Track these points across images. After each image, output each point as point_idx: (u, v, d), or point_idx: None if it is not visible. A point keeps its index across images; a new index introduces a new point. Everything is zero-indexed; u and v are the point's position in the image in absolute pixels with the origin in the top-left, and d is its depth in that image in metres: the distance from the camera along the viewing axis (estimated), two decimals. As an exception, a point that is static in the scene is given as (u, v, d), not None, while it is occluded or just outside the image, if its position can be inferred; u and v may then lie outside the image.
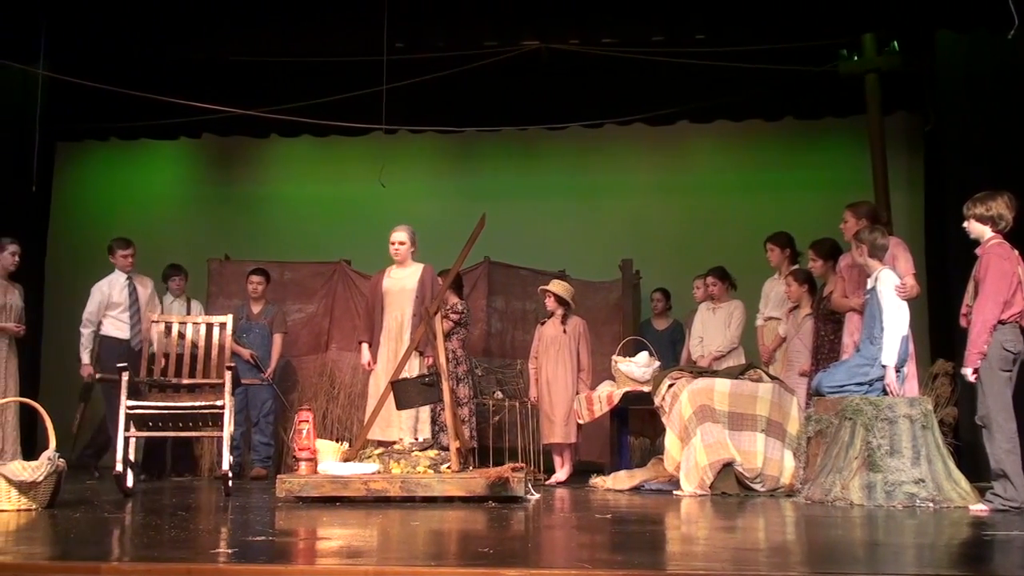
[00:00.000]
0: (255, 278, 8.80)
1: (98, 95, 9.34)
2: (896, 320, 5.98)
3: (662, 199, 10.91)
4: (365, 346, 7.45)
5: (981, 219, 5.50)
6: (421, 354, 7.18)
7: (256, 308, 8.80)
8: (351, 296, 9.24)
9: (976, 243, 5.59)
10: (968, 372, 5.38)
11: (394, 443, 6.59)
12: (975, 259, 5.58)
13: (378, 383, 7.20)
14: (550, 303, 7.92)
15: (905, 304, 6.07)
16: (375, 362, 7.39)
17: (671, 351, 8.88)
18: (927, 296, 8.90)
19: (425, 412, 7.19)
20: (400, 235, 7.47)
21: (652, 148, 10.96)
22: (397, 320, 7.34)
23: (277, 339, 8.74)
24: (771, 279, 8.05)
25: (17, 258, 7.72)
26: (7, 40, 9.01)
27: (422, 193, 10.96)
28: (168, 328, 7.07)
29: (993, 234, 5.47)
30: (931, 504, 5.45)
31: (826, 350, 7.01)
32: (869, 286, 6.19)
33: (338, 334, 9.23)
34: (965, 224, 5.60)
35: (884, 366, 5.96)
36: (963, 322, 5.56)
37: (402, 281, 7.38)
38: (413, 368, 6.99)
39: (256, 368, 8.52)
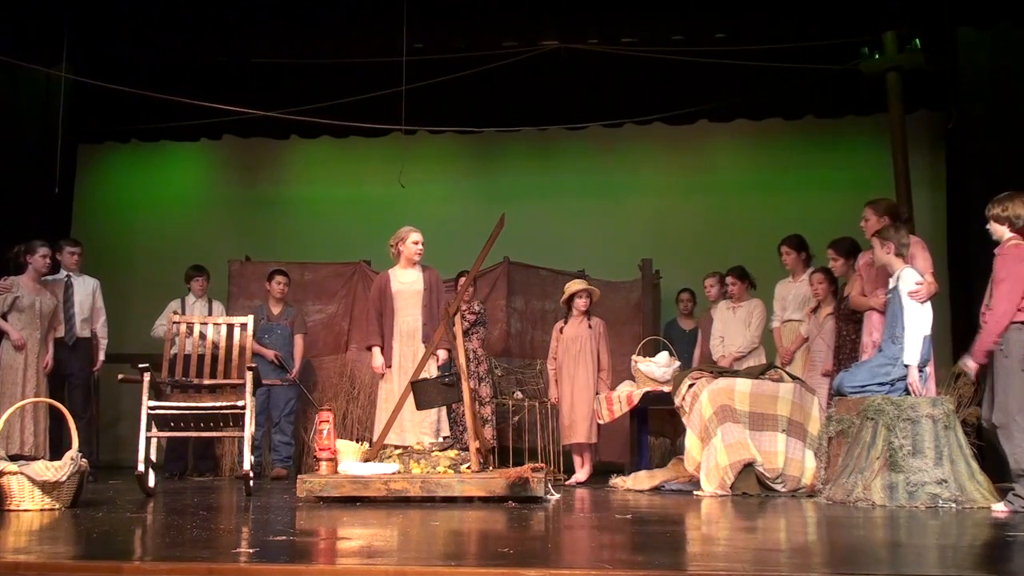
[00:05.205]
0: (282, 279, 8.85)
1: (119, 98, 9.43)
2: (919, 319, 5.94)
3: (682, 198, 10.89)
4: (377, 350, 7.31)
5: (998, 219, 5.50)
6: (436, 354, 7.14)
7: (276, 309, 8.85)
8: (371, 297, 9.27)
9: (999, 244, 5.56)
10: (970, 364, 5.45)
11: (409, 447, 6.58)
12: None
13: (392, 387, 7.14)
14: (583, 303, 7.88)
15: (928, 303, 6.04)
16: (389, 365, 7.28)
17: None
18: (949, 296, 8.85)
19: (443, 411, 7.15)
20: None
21: (672, 147, 10.93)
22: (409, 324, 7.30)
23: (299, 340, 8.82)
24: (783, 281, 8.03)
25: (48, 260, 7.82)
26: (30, 43, 9.09)
27: (441, 193, 10.99)
28: (189, 328, 7.12)
29: (1012, 235, 5.44)
30: (954, 505, 5.41)
31: (847, 350, 6.97)
32: (891, 285, 6.15)
33: (358, 334, 9.24)
34: (988, 226, 5.58)
35: (907, 366, 5.93)
36: (983, 320, 5.53)
37: (411, 284, 7.34)
38: (431, 369, 6.97)
39: (281, 368, 8.58)
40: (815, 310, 7.61)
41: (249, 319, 6.81)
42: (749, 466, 6.45)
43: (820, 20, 9.03)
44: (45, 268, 7.83)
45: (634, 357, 7.55)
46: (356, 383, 9.11)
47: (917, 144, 9.52)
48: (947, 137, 9.59)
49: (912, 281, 6.01)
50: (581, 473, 7.84)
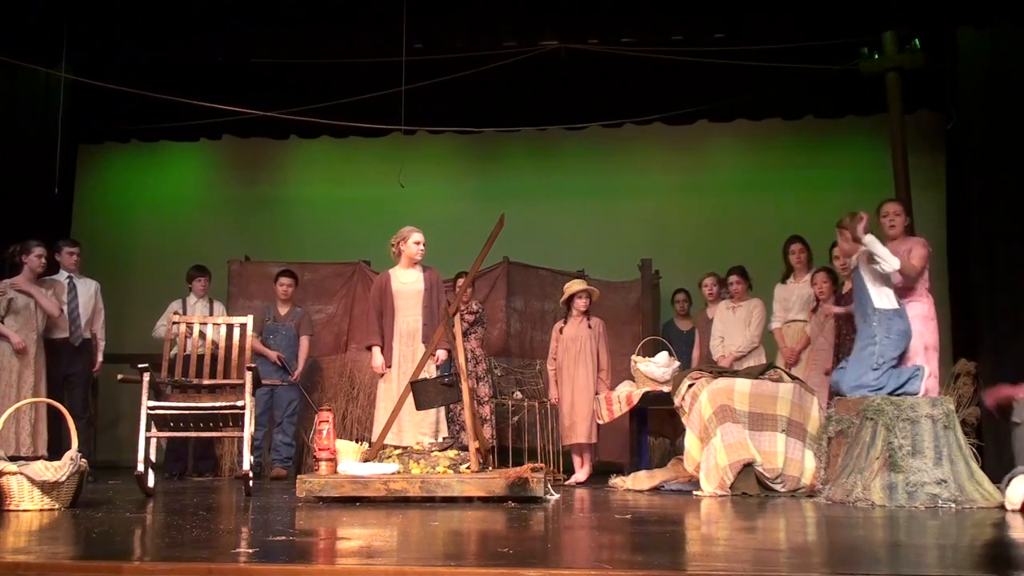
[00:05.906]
0: (285, 280, 8.85)
1: (119, 98, 9.42)
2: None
3: (681, 199, 10.89)
4: (376, 350, 7.30)
5: None
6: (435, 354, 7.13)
7: (283, 310, 8.85)
8: (371, 297, 9.27)
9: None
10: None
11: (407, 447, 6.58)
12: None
13: (391, 387, 7.14)
14: (583, 304, 7.89)
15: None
16: (388, 365, 7.27)
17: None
18: (949, 295, 8.84)
19: (442, 411, 7.15)
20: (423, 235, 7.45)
21: (671, 148, 10.93)
22: (409, 324, 7.29)
23: (304, 341, 8.82)
24: (782, 283, 8.03)
25: (44, 260, 7.82)
26: (30, 43, 9.09)
27: (441, 193, 10.99)
28: (189, 328, 7.11)
29: None
30: (953, 505, 5.41)
31: (848, 348, 6.98)
32: (852, 265, 6.26)
33: (358, 334, 9.24)
34: None
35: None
36: None
37: (411, 284, 7.34)
38: (430, 369, 6.96)
39: (283, 370, 8.57)
40: (815, 309, 7.62)
41: (249, 319, 6.80)
42: (749, 466, 6.45)
43: (819, 20, 9.02)
44: (41, 268, 7.82)
45: (634, 357, 7.55)
46: (356, 383, 9.10)
47: (917, 144, 9.49)
48: (947, 137, 9.57)
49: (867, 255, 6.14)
50: (581, 473, 7.84)
